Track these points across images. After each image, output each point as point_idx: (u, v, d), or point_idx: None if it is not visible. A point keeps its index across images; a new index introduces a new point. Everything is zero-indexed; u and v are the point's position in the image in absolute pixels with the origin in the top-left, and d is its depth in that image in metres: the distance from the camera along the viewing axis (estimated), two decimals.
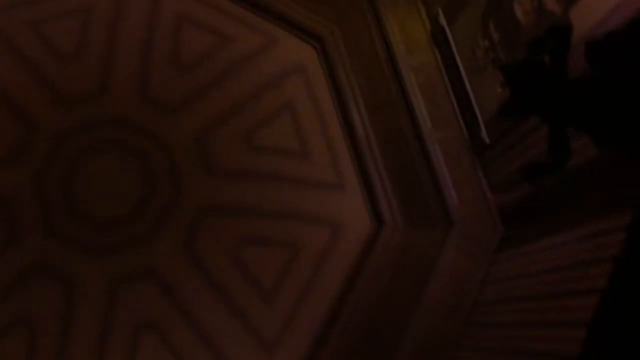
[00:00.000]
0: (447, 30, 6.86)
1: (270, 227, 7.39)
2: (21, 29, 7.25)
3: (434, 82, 7.14)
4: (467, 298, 6.26)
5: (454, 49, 6.76)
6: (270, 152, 7.63)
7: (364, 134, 7.46)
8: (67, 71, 7.36)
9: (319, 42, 7.78)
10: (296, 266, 7.36)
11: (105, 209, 7.25)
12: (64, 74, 7.36)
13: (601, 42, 2.47)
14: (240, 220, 7.35)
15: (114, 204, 7.27)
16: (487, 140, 6.34)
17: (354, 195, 7.38)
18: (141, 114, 7.42)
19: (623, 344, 3.00)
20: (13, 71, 7.33)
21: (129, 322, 7.20)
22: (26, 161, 7.23)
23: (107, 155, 7.32)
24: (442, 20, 6.95)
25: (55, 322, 7.11)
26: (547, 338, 3.59)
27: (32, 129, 7.27)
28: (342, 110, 7.61)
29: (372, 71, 7.49)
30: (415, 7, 7.10)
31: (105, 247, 7.18)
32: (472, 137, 6.62)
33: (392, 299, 6.91)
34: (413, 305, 6.67)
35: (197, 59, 7.63)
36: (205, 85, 7.62)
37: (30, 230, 7.13)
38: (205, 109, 7.60)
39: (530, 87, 2.71)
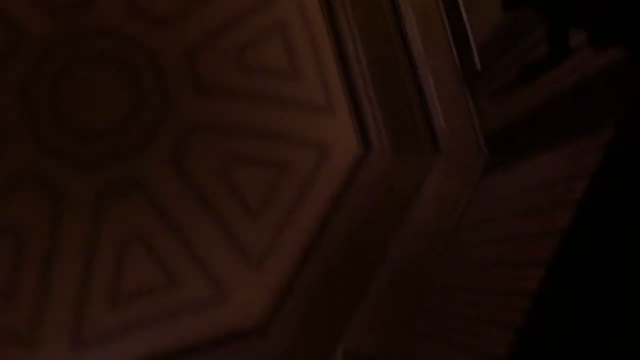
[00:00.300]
0: None
1: (259, 146, 7.48)
2: None
3: (428, 8, 7.10)
4: (450, 221, 6.44)
5: None
6: (261, 72, 7.63)
7: (355, 58, 7.46)
8: None
9: None
10: (283, 186, 7.51)
11: (93, 121, 7.26)
12: None
13: None
14: (228, 138, 7.43)
15: (102, 116, 7.28)
16: (478, 67, 6.39)
17: (343, 119, 7.45)
18: (132, 27, 7.34)
19: (598, 252, 3.18)
20: None
21: (116, 235, 7.35)
22: (13, 69, 7.17)
23: (96, 66, 7.28)
24: None
25: (43, 233, 7.23)
26: (525, 248, 3.76)
27: (19, 36, 7.18)
28: (334, 33, 7.58)
29: None
30: None
31: (93, 159, 7.24)
32: (464, 63, 6.65)
33: (376, 221, 7.09)
34: (396, 227, 6.86)
35: None
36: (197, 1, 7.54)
37: (18, 139, 7.13)
38: (196, 25, 7.54)
39: None
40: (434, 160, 6.77)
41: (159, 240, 7.43)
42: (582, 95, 3.88)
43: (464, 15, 6.63)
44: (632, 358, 2.99)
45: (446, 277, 5.66)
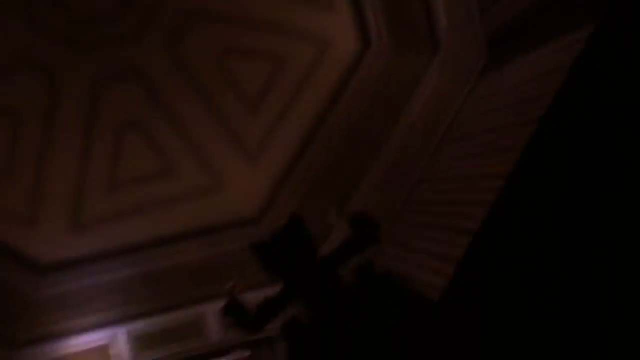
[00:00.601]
0: None
1: (257, 38, 7.73)
2: None
3: None
4: (444, 119, 6.88)
5: None
6: None
7: None
8: None
9: None
10: (280, 79, 7.85)
11: (89, 5, 7.43)
12: None
13: None
14: (227, 28, 7.65)
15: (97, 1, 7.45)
16: None
17: (343, 14, 7.64)
18: None
19: (574, 138, 3.66)
20: None
21: (113, 121, 7.77)
22: None
23: None
24: None
25: (40, 116, 7.62)
26: (516, 133, 4.23)
27: None
28: None
29: None
30: None
31: (89, 44, 7.49)
32: None
33: (372, 117, 7.53)
34: (393, 123, 7.32)
35: None
36: None
37: (13, 22, 7.33)
38: None
39: None
40: (433, 57, 7.10)
41: (155, 128, 7.87)
42: None
43: None
44: None
45: (438, 168, 6.19)
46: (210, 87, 7.83)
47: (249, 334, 3.88)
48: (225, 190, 8.11)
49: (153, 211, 8.01)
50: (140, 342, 7.70)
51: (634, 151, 3.55)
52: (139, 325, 7.74)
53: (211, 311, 7.71)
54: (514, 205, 3.69)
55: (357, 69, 7.74)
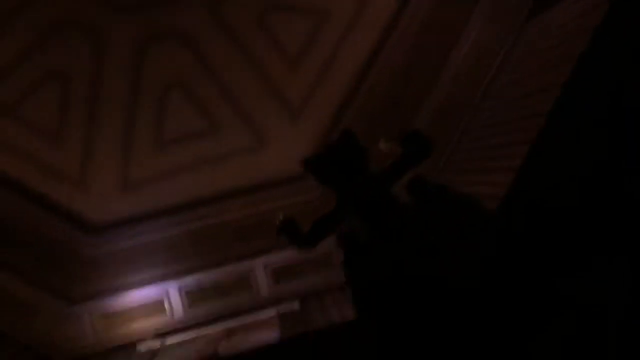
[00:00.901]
0: None
1: None
2: None
3: None
4: (487, 69, 7.07)
5: None
6: None
7: None
8: None
9: None
10: (321, 35, 8.13)
11: None
12: None
13: None
14: None
15: None
16: None
17: None
18: None
19: (609, 75, 3.88)
20: None
21: (158, 81, 8.17)
22: None
23: None
24: None
25: (86, 78, 8.06)
26: (548, 77, 4.46)
27: None
28: None
29: None
30: None
31: (133, 5, 7.86)
32: None
33: (416, 67, 7.78)
34: (434, 73, 7.56)
35: None
36: None
37: None
38: None
39: None
40: (476, 4, 7.25)
41: (199, 87, 8.24)
42: None
43: None
44: None
45: (481, 117, 6.42)
46: (252, 45, 8.13)
47: (303, 251, 4.10)
48: (269, 148, 8.47)
49: (199, 170, 8.44)
50: (192, 297, 8.21)
51: None
52: (191, 280, 8.24)
53: (260, 266, 8.15)
54: (555, 140, 3.94)
55: (400, 20, 7.93)
